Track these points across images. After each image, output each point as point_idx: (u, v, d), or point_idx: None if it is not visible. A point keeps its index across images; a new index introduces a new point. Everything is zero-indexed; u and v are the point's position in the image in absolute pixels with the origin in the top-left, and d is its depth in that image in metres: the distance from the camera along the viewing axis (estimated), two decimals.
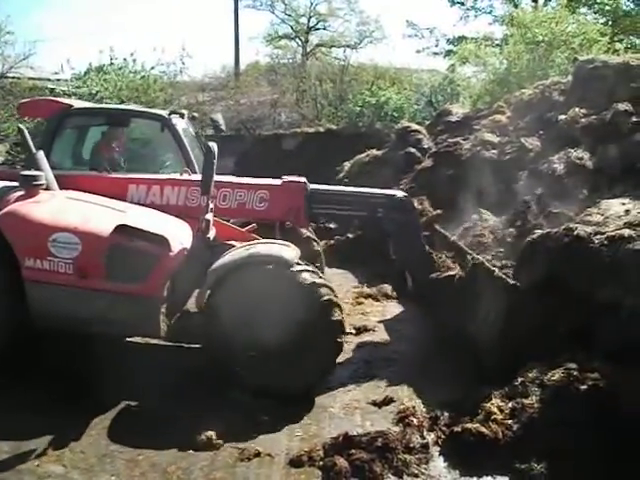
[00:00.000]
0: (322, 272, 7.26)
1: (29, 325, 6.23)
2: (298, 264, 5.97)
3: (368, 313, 8.45)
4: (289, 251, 6.14)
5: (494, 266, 6.45)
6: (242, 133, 17.30)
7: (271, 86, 21.86)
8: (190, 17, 66.18)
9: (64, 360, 6.42)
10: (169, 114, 8.22)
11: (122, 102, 18.17)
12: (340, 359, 6.32)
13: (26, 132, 7.35)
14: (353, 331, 7.57)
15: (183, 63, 20.04)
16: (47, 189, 6.81)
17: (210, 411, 5.59)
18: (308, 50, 32.98)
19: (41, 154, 7.10)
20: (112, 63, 20.36)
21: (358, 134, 15.89)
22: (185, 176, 7.60)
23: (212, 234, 6.51)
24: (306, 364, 5.94)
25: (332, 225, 11.14)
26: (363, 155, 13.22)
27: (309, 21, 33.99)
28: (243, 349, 5.96)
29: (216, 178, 6.83)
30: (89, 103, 10.41)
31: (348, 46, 32.43)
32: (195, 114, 9.79)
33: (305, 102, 20.03)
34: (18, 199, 6.49)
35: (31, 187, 6.59)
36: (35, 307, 6.19)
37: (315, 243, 8.24)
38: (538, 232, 6.30)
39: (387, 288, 9.18)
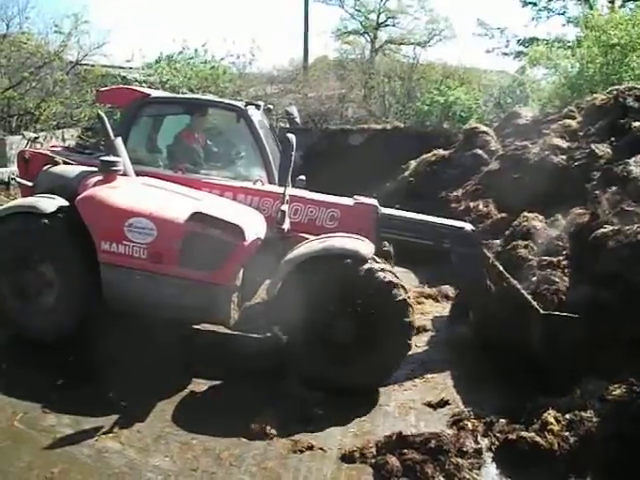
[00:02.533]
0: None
1: (102, 306, 6.50)
2: (374, 261, 5.98)
3: (428, 313, 8.39)
4: (365, 246, 6.12)
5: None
6: (309, 127, 17.30)
7: (339, 81, 21.82)
8: (261, 10, 66.48)
9: (125, 342, 6.51)
10: (245, 105, 8.18)
11: (191, 91, 18.40)
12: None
13: (106, 119, 7.65)
14: None
15: (253, 55, 20.21)
16: (124, 175, 7.07)
17: (265, 401, 5.67)
18: (377, 46, 32.86)
19: (119, 140, 7.38)
20: (182, 52, 20.62)
21: (425, 133, 15.68)
22: (259, 185, 7.63)
23: (287, 225, 6.46)
24: (372, 363, 5.97)
25: None
26: (429, 154, 13.06)
27: (378, 17, 33.85)
28: (309, 342, 6.00)
29: (289, 192, 6.86)
30: (166, 92, 10.56)
31: (417, 44, 32.21)
32: (270, 106, 9.67)
33: (373, 98, 19.99)
34: (96, 184, 6.76)
35: (109, 172, 6.84)
36: (109, 289, 6.45)
37: (386, 242, 8.17)
38: (608, 227, 6.15)
39: (448, 289, 9.05)
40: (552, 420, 4.83)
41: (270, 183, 7.72)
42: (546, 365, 5.72)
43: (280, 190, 6.97)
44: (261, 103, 8.65)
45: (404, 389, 6.18)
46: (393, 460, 4.69)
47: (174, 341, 6.46)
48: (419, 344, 7.30)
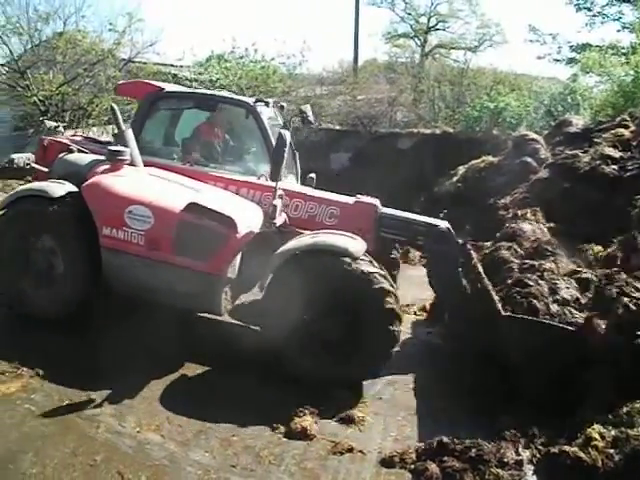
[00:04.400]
0: (395, 280, 7.25)
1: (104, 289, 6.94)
2: (363, 259, 6.14)
3: None
4: (355, 244, 6.29)
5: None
6: (358, 129, 17.30)
7: (389, 84, 21.76)
8: (312, 10, 66.69)
9: (165, 336, 6.68)
10: (254, 102, 8.32)
11: (241, 90, 18.52)
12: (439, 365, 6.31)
13: (117, 110, 8.09)
14: None
15: (303, 56, 20.29)
16: (132, 165, 7.46)
17: (306, 401, 5.67)
18: (427, 50, 32.72)
19: (130, 132, 7.76)
20: (233, 52, 20.78)
21: (474, 139, 15.64)
22: (262, 180, 7.82)
23: (281, 220, 6.80)
24: (358, 358, 6.14)
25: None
26: (478, 161, 12.97)
27: (429, 21, 33.66)
28: (297, 334, 6.13)
29: (290, 188, 7.51)
30: (180, 87, 10.88)
31: (467, 48, 32.05)
32: (284, 104, 9.77)
33: (422, 103, 19.91)
34: (103, 172, 7.20)
35: (116, 161, 7.25)
36: (109, 273, 6.86)
37: (395, 251, 8.19)
38: None
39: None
40: (597, 436, 4.70)
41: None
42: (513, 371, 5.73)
43: (286, 187, 7.39)
44: (271, 100, 8.82)
45: (445, 396, 6.12)
46: (433, 467, 4.67)
47: (211, 336, 6.52)
48: None
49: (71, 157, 7.84)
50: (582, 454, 4.58)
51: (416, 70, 23.11)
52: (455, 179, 13.26)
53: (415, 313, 8.85)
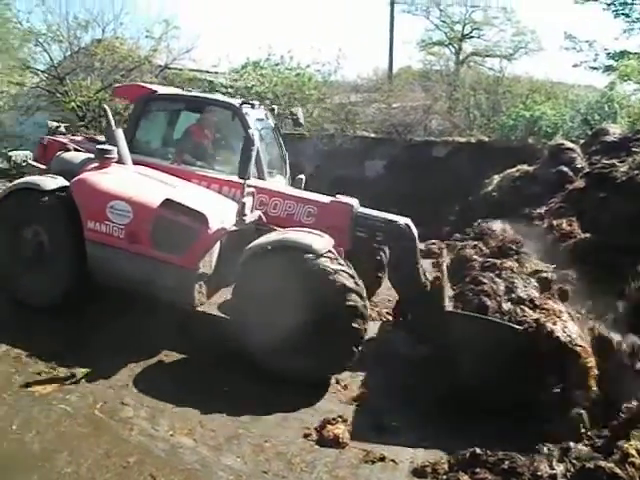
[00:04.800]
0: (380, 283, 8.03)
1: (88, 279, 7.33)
2: (327, 255, 6.30)
3: None
4: (320, 241, 6.44)
5: None
6: (393, 137, 17.27)
7: (424, 92, 21.68)
8: (347, 18, 66.68)
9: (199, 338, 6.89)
10: (240, 104, 8.45)
11: (276, 97, 18.60)
12: None
13: (109, 111, 8.66)
14: None
15: (338, 63, 20.29)
16: (120, 163, 7.86)
17: (339, 408, 5.75)
18: (461, 58, 32.53)
19: (119, 131, 8.14)
20: (269, 59, 20.86)
21: (509, 147, 15.49)
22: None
23: (253, 217, 7.11)
24: (323, 350, 6.18)
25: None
26: (513, 170, 12.87)
27: (464, 29, 33.25)
28: (263, 328, 6.29)
29: (268, 187, 7.82)
30: (172, 89, 10.97)
31: (502, 56, 31.75)
32: (275, 107, 10.28)
33: (457, 111, 19.80)
34: (91, 169, 7.67)
35: (104, 159, 7.69)
36: (92, 264, 7.28)
37: (382, 253, 8.26)
38: None
39: None
40: (634, 452, 4.64)
41: (259, 178, 8.01)
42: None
43: (261, 184, 7.78)
44: (257, 102, 9.02)
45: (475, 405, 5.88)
46: (465, 478, 4.65)
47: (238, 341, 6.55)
48: None
49: (67, 155, 8.31)
50: (618, 470, 4.51)
51: (451, 78, 22.94)
52: (490, 188, 13.19)
53: None
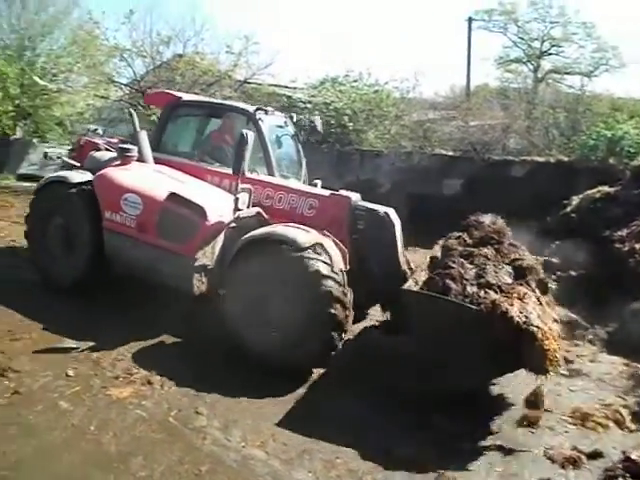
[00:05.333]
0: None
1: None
2: (310, 249, 6.66)
3: (584, 357, 8.01)
4: (305, 236, 6.83)
5: None
6: (471, 156, 17.14)
7: (502, 110, 21.42)
8: (424, 35, 66.66)
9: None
10: (255, 110, 9.06)
11: (355, 113, 18.72)
12: (549, 402, 6.23)
13: (135, 116, 9.68)
14: (566, 372, 7.19)
15: (416, 80, 20.30)
16: (141, 161, 8.73)
17: (411, 428, 5.66)
18: (540, 76, 32.05)
19: (143, 133, 9.05)
20: (347, 75, 20.99)
21: (589, 168, 15.14)
22: (254, 175, 8.45)
23: (248, 212, 7.58)
24: (302, 340, 6.50)
25: (555, 259, 10.83)
26: (593, 191, 12.55)
27: (542, 45, 32.74)
28: (250, 317, 6.77)
29: (273, 181, 8.45)
30: (195, 96, 11.92)
31: (582, 74, 31.16)
32: (293, 115, 10.55)
33: (536, 130, 19.51)
34: (113, 166, 8.59)
35: (125, 158, 8.62)
36: (108, 251, 8.12)
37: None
38: None
39: (602, 333, 8.64)
40: None
41: (269, 175, 8.66)
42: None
43: (267, 179, 8.47)
44: (270, 108, 9.73)
45: (555, 434, 5.87)
46: None
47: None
48: (573, 388, 7.05)
49: (97, 154, 9.29)
50: None
51: (529, 96, 22.62)
52: (569, 209, 12.93)
53: None
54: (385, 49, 48.59)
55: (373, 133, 19.34)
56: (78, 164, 9.48)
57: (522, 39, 33.19)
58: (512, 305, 5.68)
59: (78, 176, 8.60)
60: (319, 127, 10.91)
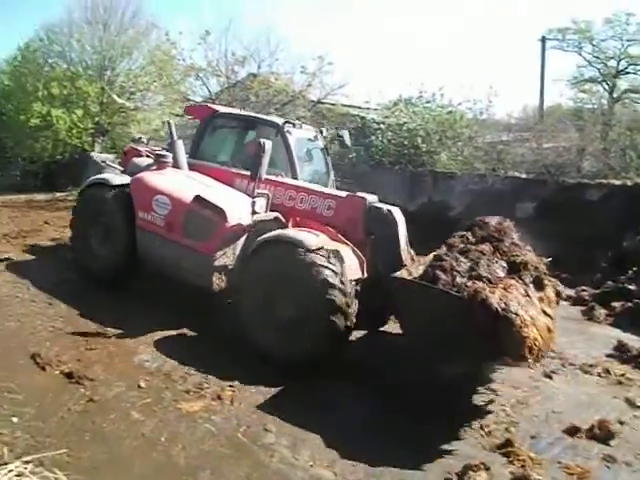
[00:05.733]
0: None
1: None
2: (316, 251, 7.04)
3: None
4: (312, 238, 7.29)
5: None
6: (545, 178, 16.83)
7: (577, 132, 21.00)
8: (497, 55, 66.28)
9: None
10: (283, 123, 9.76)
11: (428, 135, 18.69)
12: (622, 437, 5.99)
13: (172, 125, 10.42)
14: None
15: (490, 101, 20.14)
16: (175, 167, 9.51)
17: (481, 455, 5.52)
18: (616, 96, 31.29)
19: (179, 142, 9.80)
20: (421, 96, 20.98)
21: None
22: (279, 178, 9.13)
23: (265, 216, 8.13)
24: (306, 337, 6.88)
25: (632, 287, 10.61)
26: None
27: (618, 64, 31.84)
28: (260, 314, 7.27)
29: (295, 183, 9.05)
30: (230, 109, 12.56)
31: None
32: (323, 129, 11.36)
33: (612, 152, 19.08)
34: (149, 170, 9.52)
35: (160, 163, 9.48)
36: (140, 248, 8.95)
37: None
38: None
39: None
40: None
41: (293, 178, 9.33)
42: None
43: (290, 181, 9.12)
44: (298, 122, 10.58)
45: (632, 470, 5.49)
46: None
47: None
48: None
49: (138, 160, 10.33)
50: None
51: (605, 117, 22.14)
52: None
53: (598, 375, 7.87)
54: (458, 69, 48.50)
55: (446, 154, 19.21)
56: (122, 169, 10.74)
57: (597, 58, 32.28)
58: (493, 293, 5.85)
59: (117, 179, 9.63)
60: (347, 141, 11.39)
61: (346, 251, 7.53)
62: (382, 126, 19.88)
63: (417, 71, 51.75)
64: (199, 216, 8.28)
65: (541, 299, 6.53)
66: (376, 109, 22.34)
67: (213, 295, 8.01)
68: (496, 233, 7.37)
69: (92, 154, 13.12)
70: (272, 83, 20.73)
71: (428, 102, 20.75)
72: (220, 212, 8.08)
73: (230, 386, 6.35)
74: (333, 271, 6.91)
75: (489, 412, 6.41)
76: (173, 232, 8.53)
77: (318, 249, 7.07)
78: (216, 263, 7.83)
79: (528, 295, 6.30)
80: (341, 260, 7.16)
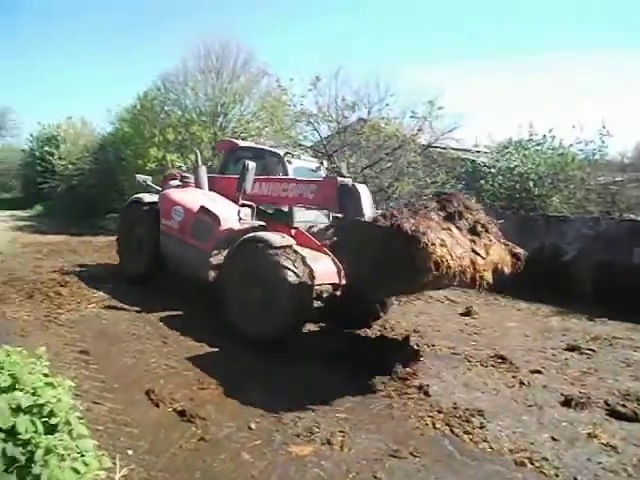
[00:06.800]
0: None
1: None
2: (280, 247, 8.95)
3: None
4: (278, 238, 9.22)
5: None
6: None
7: None
8: (609, 94, 64.86)
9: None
10: (284, 154, 12.16)
11: (540, 178, 18.38)
12: None
13: (199, 155, 13.61)
14: None
15: (602, 142, 19.62)
16: (197, 187, 12.24)
17: None
18: None
19: (203, 168, 12.58)
20: (531, 139, 20.69)
21: None
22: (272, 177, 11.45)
23: (251, 223, 10.34)
24: (273, 319, 8.77)
25: None
26: None
27: None
28: (236, 299, 9.37)
29: (284, 178, 11.18)
30: (248, 143, 15.03)
31: None
32: (323, 162, 13.63)
33: None
34: (174, 188, 12.31)
35: (185, 184, 12.36)
36: (162, 249, 11.72)
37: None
38: None
39: None
40: None
41: None
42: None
43: (283, 177, 11.25)
44: (298, 153, 13.48)
45: None
46: None
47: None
48: None
49: (172, 182, 12.81)
50: None
51: None
52: None
53: None
54: (568, 110, 47.58)
55: (558, 198, 18.75)
56: (159, 189, 13.13)
57: None
58: (409, 222, 7.10)
59: (149, 197, 12.58)
60: (344, 171, 13.92)
61: (325, 260, 9.60)
62: (492, 170, 19.67)
63: (527, 112, 51.18)
64: (202, 221, 10.87)
65: (473, 241, 7.73)
66: (486, 152, 22.15)
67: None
68: (454, 201, 8.35)
69: (137, 176, 14.71)
70: (382, 128, 20.84)
71: (539, 144, 20.32)
72: (216, 218, 10.60)
73: (340, 431, 6.27)
74: (291, 261, 8.79)
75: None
76: (184, 234, 11.19)
77: (282, 247, 8.97)
78: (212, 259, 10.22)
79: (449, 229, 7.54)
80: (300, 255, 9.00)
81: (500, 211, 18.38)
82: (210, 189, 12.21)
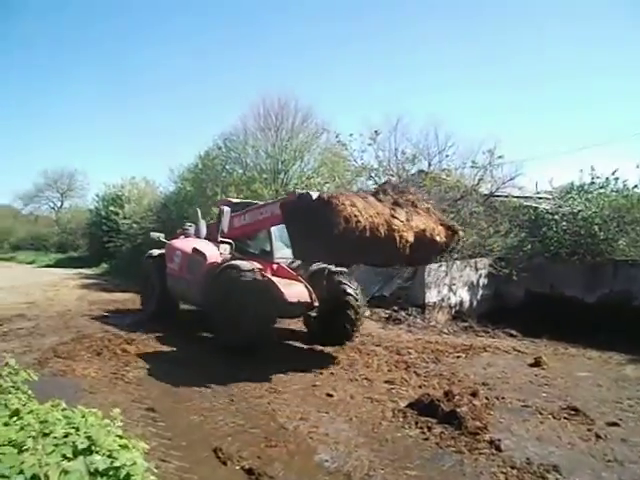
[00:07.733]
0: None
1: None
2: (250, 271, 11.59)
3: None
4: (247, 264, 11.83)
5: None
6: None
7: None
8: None
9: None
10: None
11: (605, 222, 18.13)
12: None
13: (199, 212, 16.16)
14: None
15: None
16: (197, 237, 15.09)
17: None
18: None
19: (203, 222, 15.39)
20: (593, 182, 20.48)
21: None
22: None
23: (229, 257, 13.02)
24: (243, 324, 11.24)
25: None
26: None
27: None
28: (218, 312, 11.98)
29: (257, 206, 13.24)
30: (239, 199, 16.54)
31: None
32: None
33: None
34: (178, 239, 15.37)
35: (186, 235, 15.41)
36: (169, 287, 14.58)
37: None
38: None
39: None
40: None
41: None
42: None
43: (248, 208, 13.57)
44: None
45: None
46: None
47: None
48: None
49: (179, 236, 15.79)
50: None
51: None
52: None
53: None
54: (631, 150, 46.70)
55: (625, 241, 18.42)
56: (168, 242, 15.77)
57: None
58: (331, 195, 9.27)
59: (158, 251, 15.70)
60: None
61: (299, 285, 12.27)
62: (556, 216, 19.45)
63: (589, 156, 50.59)
64: (194, 259, 13.65)
65: (393, 209, 9.89)
66: (548, 198, 21.94)
67: None
68: (386, 185, 11.04)
69: (151, 233, 17.72)
70: (443, 180, 20.85)
71: (602, 187, 20.08)
72: (203, 255, 13.41)
73: None
74: (256, 280, 11.42)
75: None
76: (182, 272, 14.02)
77: (248, 270, 11.56)
78: (202, 288, 12.73)
79: (366, 198, 9.74)
80: (264, 276, 11.69)
81: (566, 257, 18.16)
82: (208, 236, 14.77)
